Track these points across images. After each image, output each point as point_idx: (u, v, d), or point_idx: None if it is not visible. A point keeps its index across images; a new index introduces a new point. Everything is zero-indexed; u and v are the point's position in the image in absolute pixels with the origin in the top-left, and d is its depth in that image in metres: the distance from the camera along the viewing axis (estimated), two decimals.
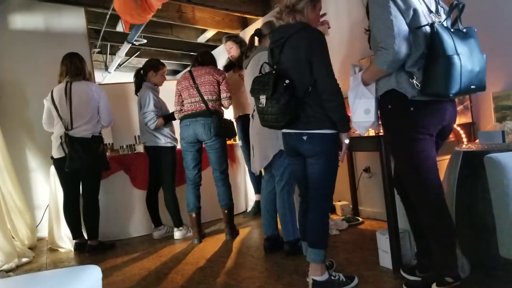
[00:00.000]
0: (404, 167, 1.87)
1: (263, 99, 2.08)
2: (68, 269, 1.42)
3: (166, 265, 2.94)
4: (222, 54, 5.29)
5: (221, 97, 3.38)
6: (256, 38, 2.93)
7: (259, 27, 2.94)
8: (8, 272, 2.96)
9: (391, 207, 2.18)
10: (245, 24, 5.46)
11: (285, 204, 2.75)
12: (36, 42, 4.44)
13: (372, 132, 2.51)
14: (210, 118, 3.27)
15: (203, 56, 3.49)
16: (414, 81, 1.72)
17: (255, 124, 2.83)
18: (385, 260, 2.30)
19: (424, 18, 1.74)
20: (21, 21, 4.45)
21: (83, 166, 3.30)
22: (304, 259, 2.29)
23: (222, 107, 3.43)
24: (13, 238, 3.48)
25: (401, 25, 1.67)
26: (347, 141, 2.10)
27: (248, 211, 4.33)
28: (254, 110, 2.85)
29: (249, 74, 2.89)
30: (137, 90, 3.76)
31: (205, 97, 3.29)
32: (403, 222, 2.24)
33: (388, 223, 2.21)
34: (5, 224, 3.30)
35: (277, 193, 2.80)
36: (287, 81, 2.02)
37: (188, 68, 3.54)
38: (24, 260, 3.31)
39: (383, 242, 2.30)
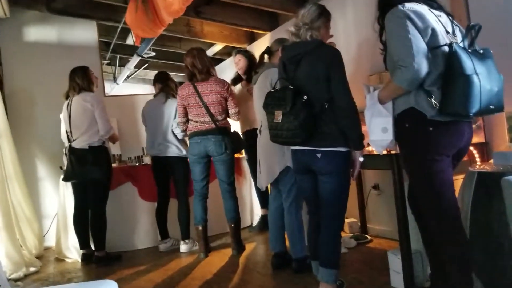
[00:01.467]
0: (420, 187, 1.86)
1: (279, 114, 2.08)
2: (86, 284, 1.42)
3: (173, 279, 2.92)
4: (229, 67, 5.35)
5: (230, 112, 3.39)
6: (266, 56, 2.96)
7: (268, 45, 2.97)
8: (16, 282, 2.95)
9: (403, 227, 2.16)
10: (252, 38, 5.52)
11: (293, 220, 2.73)
12: (49, 54, 4.52)
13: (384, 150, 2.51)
14: (220, 136, 3.28)
15: (198, 63, 3.25)
16: (433, 100, 1.72)
17: (262, 139, 2.84)
18: (397, 280, 2.27)
19: (442, 38, 1.74)
20: (35, 33, 4.54)
21: (77, 177, 3.33)
22: (313, 277, 2.28)
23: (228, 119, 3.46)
24: (21, 247, 3.47)
25: (419, 43, 1.68)
26: (361, 159, 2.11)
27: (253, 225, 4.31)
28: (261, 126, 2.86)
29: (257, 89, 2.92)
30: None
31: (215, 118, 3.29)
32: (415, 243, 2.23)
33: (400, 244, 2.19)
34: (14, 233, 3.31)
35: (285, 210, 2.78)
36: (305, 97, 2.03)
37: (188, 80, 3.35)
38: (32, 269, 3.30)
39: (395, 262, 2.28)
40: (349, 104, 2.05)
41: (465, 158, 2.43)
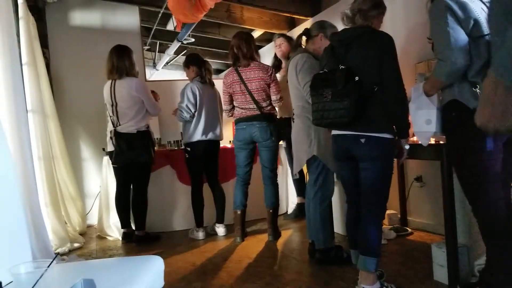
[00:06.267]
0: (465, 177, 1.82)
1: (328, 93, 2.04)
2: (133, 258, 1.46)
3: (210, 261, 2.97)
4: (268, 53, 5.30)
5: (272, 99, 3.37)
6: (304, 38, 2.82)
7: (307, 26, 2.88)
8: (62, 256, 3.10)
9: (451, 221, 2.08)
10: (292, 24, 5.45)
11: (316, 210, 2.69)
12: (92, 39, 4.62)
13: (432, 140, 2.42)
14: (265, 122, 3.29)
15: (244, 47, 3.27)
16: (478, 90, 1.67)
17: (295, 127, 2.84)
18: (440, 274, 2.21)
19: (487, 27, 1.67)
20: (80, 18, 4.65)
21: (127, 161, 3.41)
22: (351, 266, 2.25)
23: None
24: (66, 223, 3.63)
25: (458, 36, 1.65)
26: (407, 147, 2.07)
27: (288, 213, 4.31)
28: (293, 114, 2.85)
29: (288, 77, 2.85)
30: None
31: (260, 104, 3.29)
32: (461, 237, 2.16)
33: (446, 237, 2.12)
34: (60, 210, 3.46)
35: (310, 198, 2.75)
36: (357, 78, 2.00)
37: (233, 66, 3.37)
38: (76, 245, 3.46)
39: (439, 256, 2.21)
40: (400, 90, 2.01)
41: None
